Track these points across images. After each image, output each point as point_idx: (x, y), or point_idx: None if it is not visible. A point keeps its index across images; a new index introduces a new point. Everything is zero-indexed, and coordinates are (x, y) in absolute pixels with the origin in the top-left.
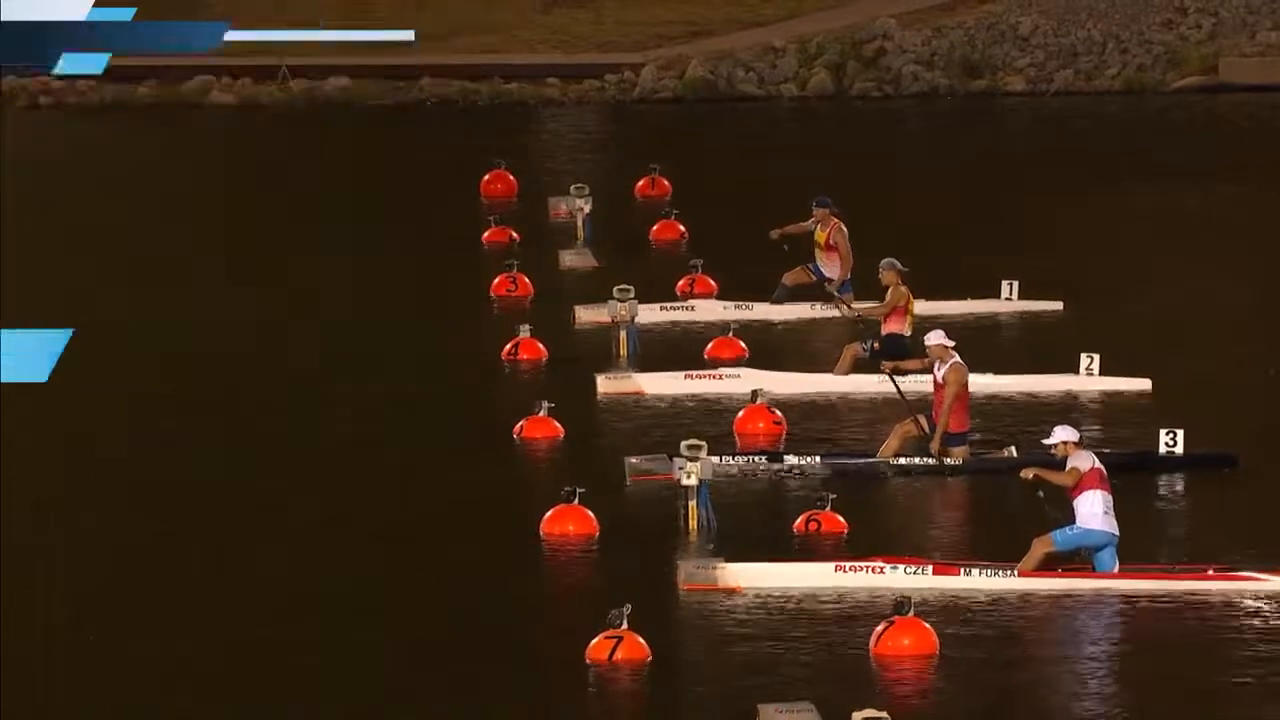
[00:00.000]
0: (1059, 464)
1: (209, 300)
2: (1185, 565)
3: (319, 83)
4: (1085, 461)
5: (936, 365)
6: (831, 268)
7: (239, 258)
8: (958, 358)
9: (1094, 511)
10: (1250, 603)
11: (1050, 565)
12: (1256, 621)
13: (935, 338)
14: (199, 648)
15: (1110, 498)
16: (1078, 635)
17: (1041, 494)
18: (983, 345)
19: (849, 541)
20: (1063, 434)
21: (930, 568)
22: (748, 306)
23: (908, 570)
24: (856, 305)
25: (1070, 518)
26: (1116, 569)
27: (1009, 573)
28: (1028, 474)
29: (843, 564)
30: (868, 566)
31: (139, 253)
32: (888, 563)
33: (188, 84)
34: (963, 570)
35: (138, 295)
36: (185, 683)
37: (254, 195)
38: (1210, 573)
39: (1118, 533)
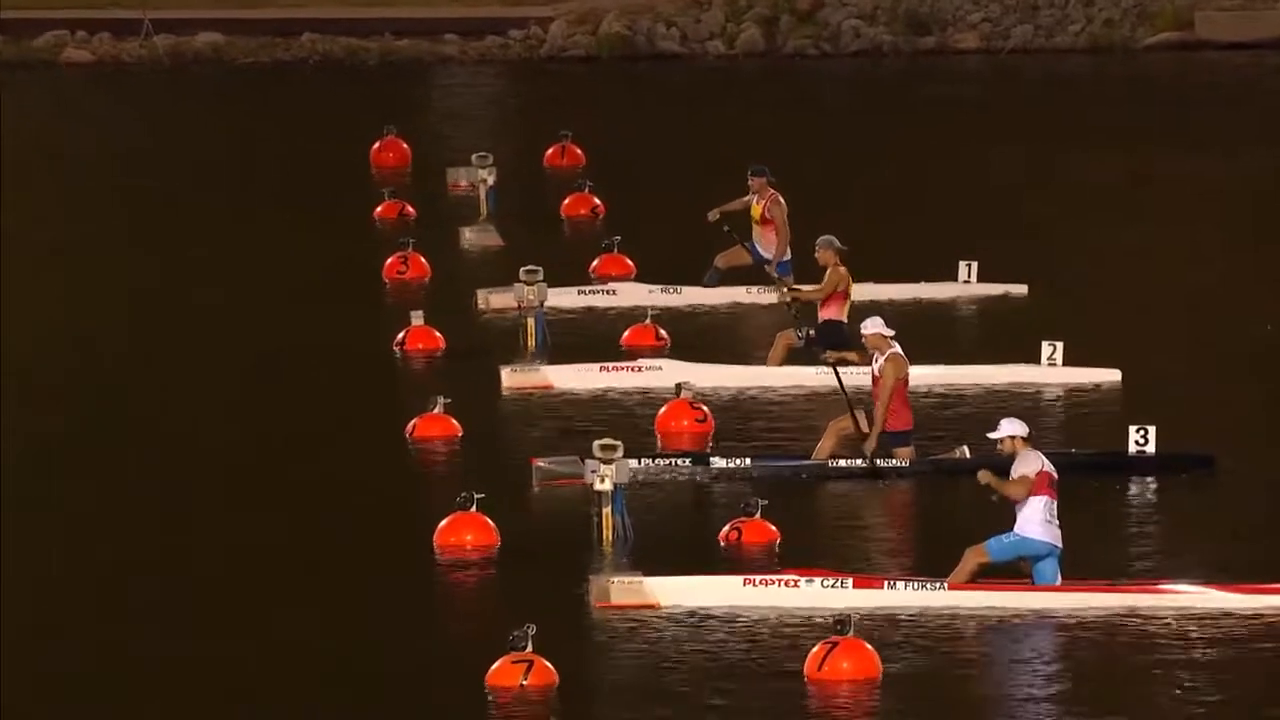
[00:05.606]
0: (1007, 463)
1: (69, 279)
2: (1134, 579)
3: (187, 39)
4: (1033, 465)
5: (874, 357)
6: (768, 244)
7: (102, 233)
8: (897, 348)
9: (1034, 518)
10: (1204, 619)
11: (984, 577)
12: (1209, 639)
13: (872, 326)
14: (68, 657)
15: (1054, 504)
16: (1015, 657)
17: (996, 499)
18: (937, 333)
19: (778, 553)
20: (1010, 428)
21: (851, 581)
22: (676, 290)
23: (825, 584)
24: (797, 287)
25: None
26: (1059, 582)
27: (939, 586)
28: (984, 477)
29: (752, 578)
30: (780, 580)
31: None
32: (803, 575)
33: (38, 40)
34: (887, 584)
35: None
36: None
37: (114, 164)
38: (1161, 587)
39: (1060, 544)
